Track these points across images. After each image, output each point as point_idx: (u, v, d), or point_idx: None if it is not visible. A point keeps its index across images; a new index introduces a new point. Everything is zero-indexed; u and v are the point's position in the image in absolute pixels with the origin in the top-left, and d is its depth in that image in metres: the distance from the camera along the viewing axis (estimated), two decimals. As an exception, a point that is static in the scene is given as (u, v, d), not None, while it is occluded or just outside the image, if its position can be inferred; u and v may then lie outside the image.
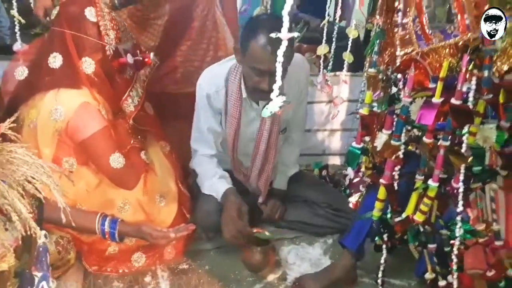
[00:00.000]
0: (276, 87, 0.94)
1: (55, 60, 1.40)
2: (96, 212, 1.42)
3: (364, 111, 1.31)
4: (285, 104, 0.93)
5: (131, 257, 1.58)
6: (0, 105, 1.45)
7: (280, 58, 0.91)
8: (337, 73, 2.35)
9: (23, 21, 1.86)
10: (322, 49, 2.18)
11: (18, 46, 1.94)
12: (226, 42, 2.02)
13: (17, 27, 1.81)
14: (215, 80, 1.69)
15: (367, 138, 1.34)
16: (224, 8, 2.01)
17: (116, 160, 1.46)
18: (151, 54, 1.62)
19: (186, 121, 1.82)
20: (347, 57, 2.24)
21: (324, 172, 2.29)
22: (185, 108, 1.80)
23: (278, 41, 1.41)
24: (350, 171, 1.77)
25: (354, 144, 1.35)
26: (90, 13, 1.43)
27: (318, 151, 2.62)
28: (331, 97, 2.44)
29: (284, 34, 0.83)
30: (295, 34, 0.82)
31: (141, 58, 1.53)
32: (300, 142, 2.01)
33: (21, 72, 1.46)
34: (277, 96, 0.91)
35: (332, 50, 2.28)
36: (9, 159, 0.69)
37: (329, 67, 2.35)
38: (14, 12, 1.83)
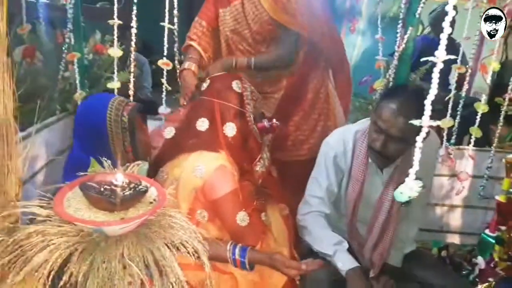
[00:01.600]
0: (412, 171, 0.94)
1: (203, 124, 1.59)
2: (227, 241, 1.51)
3: (501, 198, 1.22)
4: (422, 189, 0.92)
5: None
6: (147, 151, 1.64)
7: (419, 144, 0.92)
8: (462, 147, 2.23)
9: (169, 88, 2.17)
10: (446, 123, 2.10)
11: (163, 109, 2.28)
12: (336, 113, 2.07)
13: (164, 93, 2.11)
14: (344, 141, 1.72)
15: (502, 227, 1.23)
16: (338, 82, 2.09)
17: (242, 218, 1.54)
18: (274, 120, 1.73)
19: (292, 188, 1.85)
20: (475, 132, 2.13)
21: (443, 253, 2.12)
22: (290, 176, 1.84)
23: (408, 110, 1.45)
24: (481, 261, 1.61)
25: (487, 231, 1.25)
26: (236, 85, 1.63)
27: (436, 227, 2.45)
28: (453, 171, 2.31)
29: (426, 121, 0.84)
30: (438, 123, 0.82)
31: (274, 123, 1.69)
32: (421, 218, 1.90)
33: (169, 132, 1.65)
34: (413, 180, 0.91)
35: (456, 124, 2.19)
36: (170, 223, 0.78)
37: (452, 141, 2.25)
38: (163, 80, 2.15)
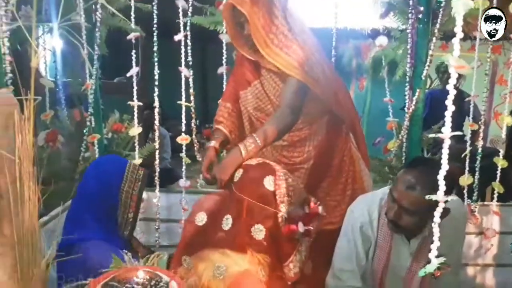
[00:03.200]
0: (434, 247, 0.93)
1: (228, 223, 1.44)
2: None
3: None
4: (444, 267, 0.90)
5: None
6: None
7: (437, 219, 0.91)
8: (486, 203, 2.18)
9: (189, 160, 2.22)
10: (465, 180, 2.08)
11: (183, 182, 2.31)
12: (362, 175, 2.05)
13: (183, 167, 2.16)
14: (369, 210, 1.67)
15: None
16: (358, 143, 2.08)
17: None
18: (320, 208, 1.56)
19: (325, 260, 1.78)
20: (497, 187, 2.09)
21: (480, 319, 1.99)
22: (322, 248, 1.69)
23: (421, 184, 1.44)
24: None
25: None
26: (269, 182, 1.44)
27: (468, 288, 2.33)
28: (480, 228, 2.24)
29: (441, 197, 0.84)
30: (450, 198, 0.81)
31: (310, 228, 1.49)
32: (454, 285, 1.81)
33: (201, 219, 1.50)
34: (435, 257, 0.90)
35: (476, 180, 2.16)
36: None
37: (474, 197, 2.21)
38: (183, 154, 2.21)
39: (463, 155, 2.10)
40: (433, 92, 3.90)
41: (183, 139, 2.21)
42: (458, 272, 1.82)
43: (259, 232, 1.40)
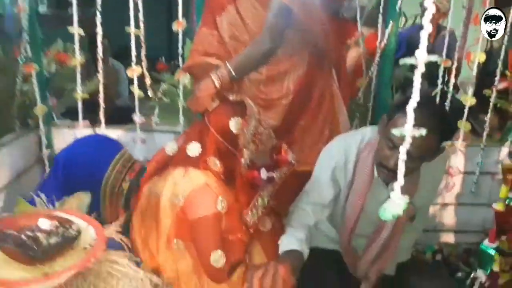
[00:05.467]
0: (397, 186, 0.82)
1: (193, 148, 1.40)
2: None
3: (499, 206, 1.10)
4: (407, 206, 0.81)
5: None
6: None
7: (403, 156, 0.80)
8: (454, 142, 2.13)
9: (142, 94, 2.04)
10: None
11: (137, 118, 2.12)
12: (339, 115, 1.91)
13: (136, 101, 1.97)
14: (346, 151, 1.54)
15: (503, 237, 1.11)
16: (340, 82, 1.93)
17: (217, 259, 1.34)
18: (290, 155, 1.56)
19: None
20: (464, 125, 2.02)
21: (438, 256, 2.01)
22: (298, 189, 1.64)
23: (430, 125, 1.28)
24: (481, 274, 1.49)
25: (486, 242, 1.13)
26: (234, 124, 1.41)
27: (428, 227, 2.33)
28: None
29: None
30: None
31: (273, 175, 1.47)
32: (421, 230, 1.77)
33: (172, 148, 1.46)
34: (398, 197, 0.79)
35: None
36: (110, 271, 0.65)
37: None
38: (135, 87, 2.01)
39: (433, 93, 2.00)
40: (411, 29, 3.72)
41: (133, 71, 1.99)
42: (427, 216, 1.78)
43: (215, 164, 1.38)
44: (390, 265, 1.71)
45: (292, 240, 1.49)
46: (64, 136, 2.10)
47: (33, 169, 2.04)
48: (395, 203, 0.80)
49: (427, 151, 1.33)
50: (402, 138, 1.31)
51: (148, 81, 2.10)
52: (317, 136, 1.85)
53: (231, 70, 1.57)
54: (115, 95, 3.25)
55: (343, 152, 1.55)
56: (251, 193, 1.47)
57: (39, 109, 1.96)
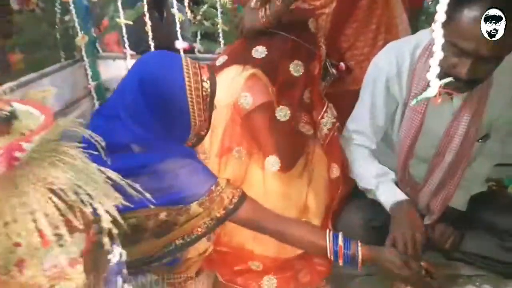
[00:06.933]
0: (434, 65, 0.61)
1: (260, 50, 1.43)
2: (324, 228, 1.24)
3: None
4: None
5: (261, 280, 1.39)
6: None
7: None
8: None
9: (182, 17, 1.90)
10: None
11: (180, 43, 1.98)
12: (398, 23, 1.63)
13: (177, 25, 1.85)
14: (398, 59, 1.32)
15: None
16: None
17: (282, 114, 1.41)
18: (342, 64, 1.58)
19: None
20: None
21: (523, 191, 1.69)
22: (348, 110, 1.52)
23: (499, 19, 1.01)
24: None
25: None
26: (312, 24, 1.51)
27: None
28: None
29: None
30: None
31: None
32: (498, 154, 1.47)
33: (220, 61, 1.50)
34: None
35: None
36: (54, 161, 0.54)
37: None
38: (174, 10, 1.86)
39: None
40: None
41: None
42: (505, 136, 1.46)
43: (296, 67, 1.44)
44: (459, 198, 1.49)
45: (392, 189, 1.41)
46: (110, 68, 2.08)
47: (82, 101, 2.06)
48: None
49: (505, 48, 1.04)
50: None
51: (187, 1, 1.95)
52: (368, 49, 1.63)
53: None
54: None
55: (394, 62, 1.32)
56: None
57: (81, 39, 1.93)
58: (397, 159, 1.45)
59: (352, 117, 1.52)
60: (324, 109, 1.49)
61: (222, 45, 1.99)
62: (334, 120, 1.50)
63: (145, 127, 1.04)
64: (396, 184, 1.45)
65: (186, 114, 1.09)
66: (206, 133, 1.17)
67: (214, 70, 1.33)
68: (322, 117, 1.49)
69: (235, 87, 1.37)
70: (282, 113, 1.41)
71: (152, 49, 1.99)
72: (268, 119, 1.39)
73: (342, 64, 1.58)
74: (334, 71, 1.56)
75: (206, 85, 1.10)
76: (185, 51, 1.96)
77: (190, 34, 3.49)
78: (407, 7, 1.63)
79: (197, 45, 2.09)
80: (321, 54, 1.49)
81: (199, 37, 2.10)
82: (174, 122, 1.08)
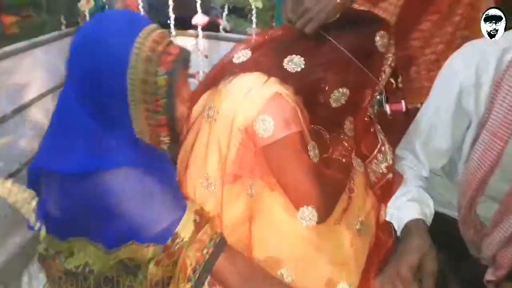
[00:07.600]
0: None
1: (295, 63, 1.02)
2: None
3: None
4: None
5: None
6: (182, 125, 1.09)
7: None
8: None
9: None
10: None
11: (199, 18, 1.75)
12: (481, 16, 1.31)
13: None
14: (480, 66, 1.06)
15: None
16: None
17: (305, 215, 1.02)
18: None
19: None
20: None
21: None
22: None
23: None
24: None
25: None
26: (380, 40, 1.06)
27: None
28: None
29: None
30: None
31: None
32: None
33: (240, 56, 1.09)
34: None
35: None
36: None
37: None
38: None
39: None
40: None
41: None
42: None
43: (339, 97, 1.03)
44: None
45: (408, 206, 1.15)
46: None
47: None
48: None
49: None
50: None
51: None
52: (443, 47, 1.34)
53: None
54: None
55: (473, 68, 1.05)
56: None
57: (85, 3, 1.67)
58: (461, 195, 1.17)
59: (409, 133, 1.26)
60: (378, 148, 1.21)
61: (254, 24, 1.71)
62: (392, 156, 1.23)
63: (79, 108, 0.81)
64: (455, 222, 1.19)
65: (123, 104, 0.80)
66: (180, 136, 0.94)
67: (229, 68, 1.06)
68: (375, 157, 1.22)
69: (250, 105, 0.99)
70: (318, 150, 1.06)
71: (172, 21, 1.74)
72: (296, 159, 1.02)
73: (402, 103, 1.32)
74: (388, 109, 1.32)
75: (160, 80, 0.78)
76: (205, 27, 1.67)
77: (218, 5, 3.20)
78: None
79: (222, 21, 1.77)
80: (380, 82, 1.14)
81: (226, 11, 1.78)
82: (107, 110, 0.81)
